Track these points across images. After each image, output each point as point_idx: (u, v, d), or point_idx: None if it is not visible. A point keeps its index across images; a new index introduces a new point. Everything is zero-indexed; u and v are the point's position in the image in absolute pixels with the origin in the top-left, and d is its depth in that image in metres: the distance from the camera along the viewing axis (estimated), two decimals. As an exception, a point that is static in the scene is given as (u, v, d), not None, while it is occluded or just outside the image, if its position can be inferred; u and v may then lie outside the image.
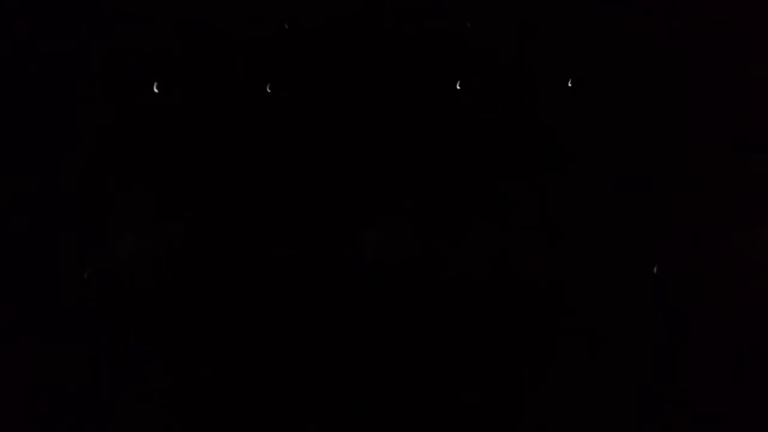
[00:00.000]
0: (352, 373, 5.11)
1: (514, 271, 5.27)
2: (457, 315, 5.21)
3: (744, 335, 5.09)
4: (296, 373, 5.11)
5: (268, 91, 5.36)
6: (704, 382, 5.01)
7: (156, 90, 5.03)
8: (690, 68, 5.38)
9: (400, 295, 5.23)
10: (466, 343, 5.16)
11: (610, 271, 5.25)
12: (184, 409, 5.07)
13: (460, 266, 5.29)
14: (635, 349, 5.11)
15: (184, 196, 5.39)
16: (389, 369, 5.11)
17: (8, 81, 5.31)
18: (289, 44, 5.55)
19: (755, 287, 5.17)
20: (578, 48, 5.47)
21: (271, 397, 5.06)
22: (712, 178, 5.32)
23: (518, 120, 5.47)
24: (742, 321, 5.12)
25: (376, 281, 5.27)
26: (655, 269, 5.22)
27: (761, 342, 5.06)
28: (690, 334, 5.11)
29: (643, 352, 5.09)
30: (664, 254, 5.23)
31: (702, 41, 5.37)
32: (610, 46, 5.44)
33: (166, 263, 5.31)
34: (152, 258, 5.33)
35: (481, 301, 5.21)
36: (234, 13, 5.53)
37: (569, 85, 5.39)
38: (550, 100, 5.45)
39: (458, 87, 5.25)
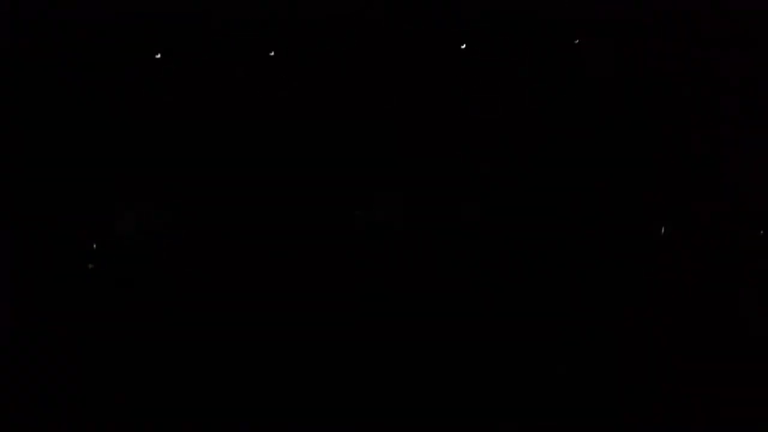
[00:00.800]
0: (350, 371, 5.11)
1: (514, 271, 5.27)
2: (455, 314, 5.21)
3: (744, 334, 5.10)
4: (295, 371, 5.12)
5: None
6: (704, 382, 5.02)
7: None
8: (690, 68, 5.39)
9: (399, 294, 5.24)
10: (464, 343, 5.17)
11: (609, 269, 5.26)
12: (183, 407, 5.07)
13: (459, 265, 5.30)
14: (635, 348, 5.12)
15: (183, 195, 5.39)
16: (387, 368, 5.12)
17: (8, 81, 5.31)
18: (287, 43, 5.55)
19: (755, 287, 5.18)
20: (578, 48, 5.48)
21: (269, 395, 5.07)
22: (711, 178, 5.33)
23: (518, 120, 5.48)
24: (741, 321, 5.13)
25: (376, 281, 5.28)
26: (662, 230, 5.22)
27: (761, 342, 5.07)
28: (690, 333, 5.12)
29: (642, 352, 5.10)
30: (663, 254, 5.24)
31: (702, 41, 5.38)
32: (610, 45, 5.45)
33: (165, 259, 5.32)
34: (151, 253, 5.34)
35: (480, 301, 5.22)
36: (233, 13, 5.53)
37: (576, 42, 5.37)
38: (549, 100, 5.46)
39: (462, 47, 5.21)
